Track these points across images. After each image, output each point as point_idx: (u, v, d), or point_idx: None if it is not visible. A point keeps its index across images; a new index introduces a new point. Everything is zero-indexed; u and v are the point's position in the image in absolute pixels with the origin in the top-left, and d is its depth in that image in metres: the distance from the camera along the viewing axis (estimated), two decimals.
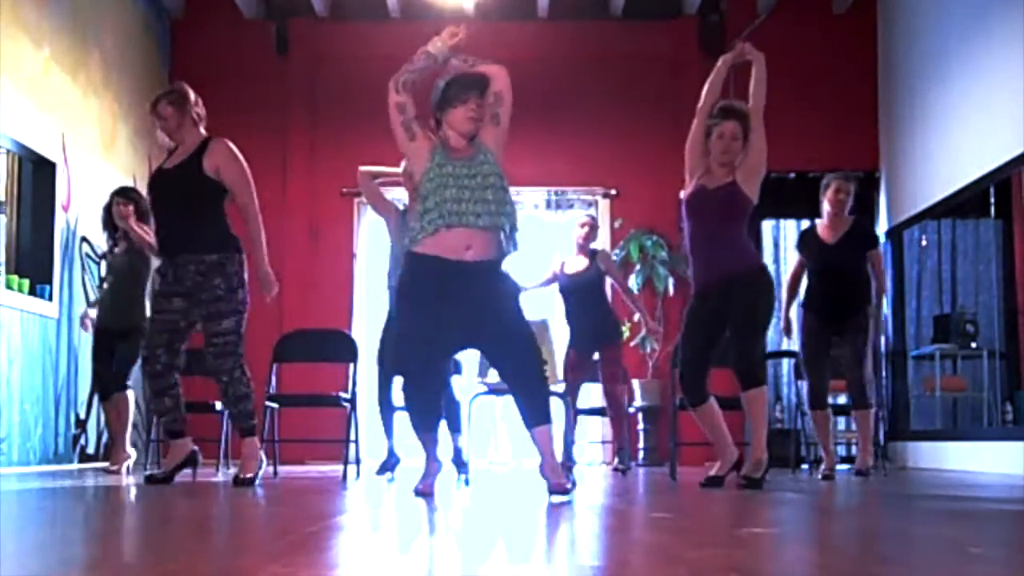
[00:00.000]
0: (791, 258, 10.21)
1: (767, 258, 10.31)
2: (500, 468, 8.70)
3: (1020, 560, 2.60)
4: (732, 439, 5.54)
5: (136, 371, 6.89)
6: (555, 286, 7.47)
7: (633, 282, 9.90)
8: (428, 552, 2.58)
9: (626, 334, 9.92)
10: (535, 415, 4.32)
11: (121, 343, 6.85)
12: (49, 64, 7.96)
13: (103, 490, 5.02)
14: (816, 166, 9.89)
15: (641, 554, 2.54)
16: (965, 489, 5.50)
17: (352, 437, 6.52)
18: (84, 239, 8.48)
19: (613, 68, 10.29)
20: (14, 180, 7.81)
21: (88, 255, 8.57)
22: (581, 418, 8.66)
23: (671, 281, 9.82)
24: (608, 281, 7.46)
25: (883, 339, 9.88)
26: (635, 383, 9.52)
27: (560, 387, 6.56)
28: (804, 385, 6.98)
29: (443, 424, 4.94)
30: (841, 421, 8.75)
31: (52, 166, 7.97)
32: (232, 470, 7.37)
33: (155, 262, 6.00)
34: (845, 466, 8.09)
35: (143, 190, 7.05)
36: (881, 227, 10.12)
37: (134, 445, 7.14)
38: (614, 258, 9.58)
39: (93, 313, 7.13)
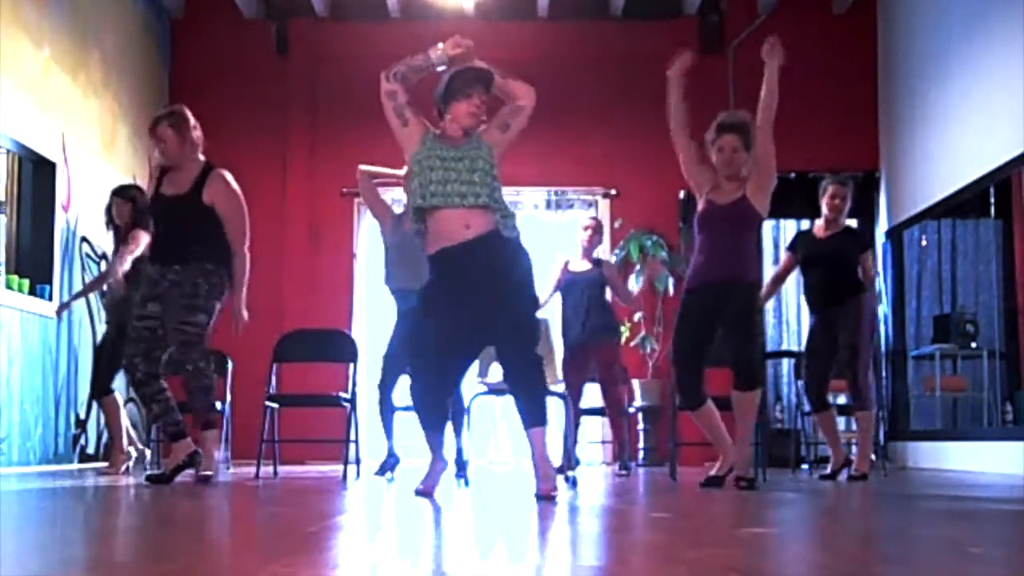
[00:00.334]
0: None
1: (767, 258, 10.30)
2: (500, 468, 8.70)
3: (1020, 560, 2.60)
4: (731, 439, 5.54)
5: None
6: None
7: (633, 282, 9.89)
8: (428, 552, 2.58)
9: (626, 334, 9.93)
10: (531, 416, 4.31)
11: (114, 345, 6.81)
12: (49, 64, 7.96)
13: (103, 490, 5.02)
14: (816, 166, 9.89)
15: (641, 554, 2.54)
16: (965, 489, 5.50)
17: (352, 437, 6.52)
18: (84, 239, 8.48)
19: (613, 68, 10.29)
20: (14, 180, 7.81)
21: (88, 255, 8.56)
22: (581, 418, 8.66)
23: (671, 281, 9.81)
24: (606, 287, 7.48)
25: (883, 339, 9.88)
26: (635, 383, 9.52)
27: (560, 387, 6.55)
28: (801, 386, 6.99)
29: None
30: (841, 421, 8.74)
31: (52, 166, 7.97)
32: (231, 470, 7.38)
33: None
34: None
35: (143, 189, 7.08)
36: (881, 227, 10.12)
37: (132, 444, 7.11)
38: (613, 259, 9.61)
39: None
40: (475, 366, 6.47)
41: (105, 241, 7.66)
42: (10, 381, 7.30)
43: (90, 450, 8.56)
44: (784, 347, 9.93)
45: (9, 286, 7.32)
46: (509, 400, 6.75)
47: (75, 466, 8.11)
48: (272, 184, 10.16)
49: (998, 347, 9.20)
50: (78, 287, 8.33)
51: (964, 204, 8.95)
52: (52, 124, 7.95)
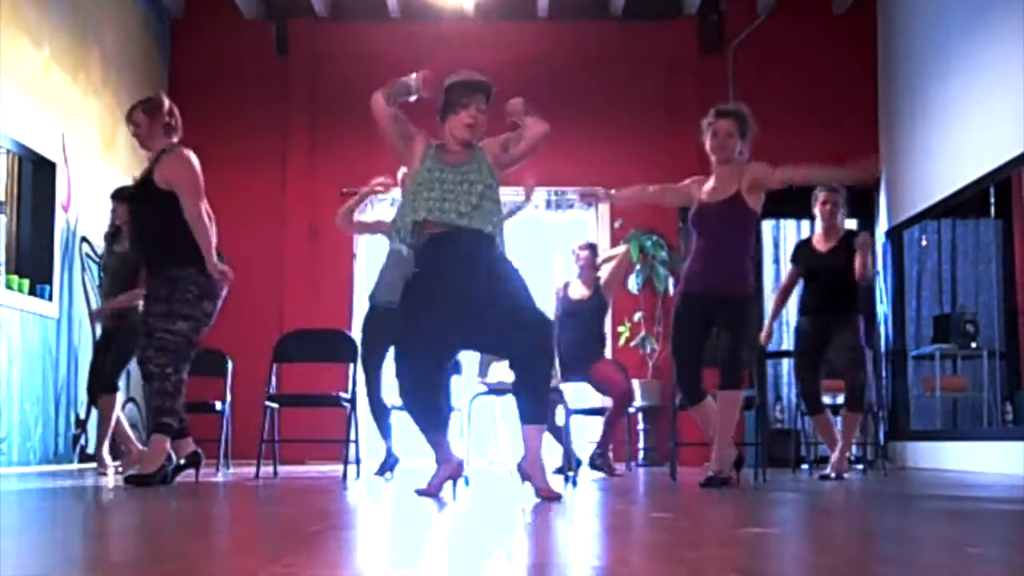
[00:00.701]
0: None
1: (767, 258, 10.31)
2: (500, 468, 8.70)
3: (1020, 560, 2.60)
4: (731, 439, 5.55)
5: (135, 372, 6.89)
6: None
7: (633, 282, 9.90)
8: (427, 552, 2.58)
9: (626, 334, 9.94)
10: (530, 413, 4.30)
11: (114, 344, 6.81)
12: (49, 64, 7.96)
13: (103, 490, 5.02)
14: (816, 166, 9.88)
15: (641, 554, 2.54)
16: (965, 489, 5.50)
17: (352, 437, 6.52)
18: (84, 239, 8.48)
19: (613, 68, 10.29)
20: (14, 180, 7.81)
21: (88, 255, 8.56)
22: (581, 418, 8.66)
23: (671, 281, 9.81)
24: (608, 312, 7.53)
25: (883, 339, 9.88)
26: (635, 383, 9.51)
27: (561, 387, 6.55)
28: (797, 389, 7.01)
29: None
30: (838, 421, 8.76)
31: (52, 166, 7.97)
32: (232, 470, 7.38)
33: None
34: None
35: None
36: (881, 227, 10.12)
37: (132, 444, 7.10)
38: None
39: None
40: (475, 366, 6.50)
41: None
42: (10, 381, 7.30)
43: (90, 450, 8.55)
44: (784, 347, 9.93)
45: (9, 286, 7.32)
46: (509, 400, 6.77)
47: (75, 466, 8.11)
48: (272, 184, 10.16)
49: (998, 347, 9.20)
50: (78, 287, 8.33)
51: (964, 204, 8.95)
52: (52, 124, 7.95)
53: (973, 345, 9.11)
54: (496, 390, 6.30)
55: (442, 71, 4.53)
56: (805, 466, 7.90)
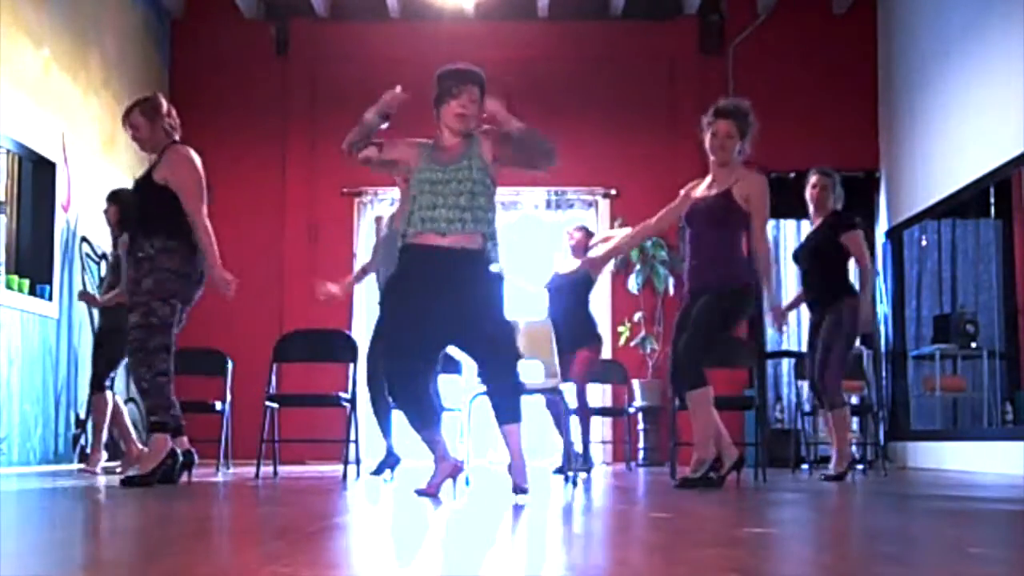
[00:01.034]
0: (791, 258, 10.26)
1: None
2: (500, 468, 8.68)
3: (1020, 560, 2.60)
4: (731, 439, 5.54)
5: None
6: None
7: (633, 282, 9.90)
8: (427, 552, 2.58)
9: (626, 334, 9.94)
10: (505, 413, 4.30)
11: (106, 343, 6.80)
12: (49, 64, 7.96)
13: (102, 490, 5.02)
14: (816, 166, 9.88)
15: (641, 554, 2.54)
16: (965, 489, 5.50)
17: (352, 437, 6.52)
18: (84, 239, 8.48)
19: (613, 68, 10.29)
20: (14, 180, 7.81)
21: (88, 255, 8.56)
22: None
23: (671, 281, 9.81)
24: (593, 288, 7.44)
25: (883, 339, 9.88)
26: (635, 383, 9.52)
27: (561, 387, 6.53)
28: (804, 385, 6.98)
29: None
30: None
31: (52, 166, 7.97)
32: (232, 470, 7.38)
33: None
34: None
35: None
36: (881, 227, 10.12)
37: (111, 445, 7.08)
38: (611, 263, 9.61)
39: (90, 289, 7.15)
40: (475, 367, 6.49)
41: (105, 241, 7.68)
42: (10, 381, 7.30)
43: (90, 450, 8.55)
44: (784, 347, 9.93)
45: (9, 286, 7.32)
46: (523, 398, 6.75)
47: (75, 466, 8.10)
48: (272, 184, 10.16)
49: (998, 347, 9.20)
50: (78, 287, 8.32)
51: (964, 204, 8.95)
52: (52, 124, 7.95)
53: (973, 345, 9.11)
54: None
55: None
56: (805, 466, 7.89)
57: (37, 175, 7.93)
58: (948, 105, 8.84)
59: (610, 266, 9.94)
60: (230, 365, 7.52)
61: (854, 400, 8.62)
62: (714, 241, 5.33)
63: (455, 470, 4.53)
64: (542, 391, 6.32)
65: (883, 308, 9.92)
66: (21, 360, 7.45)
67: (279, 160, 10.22)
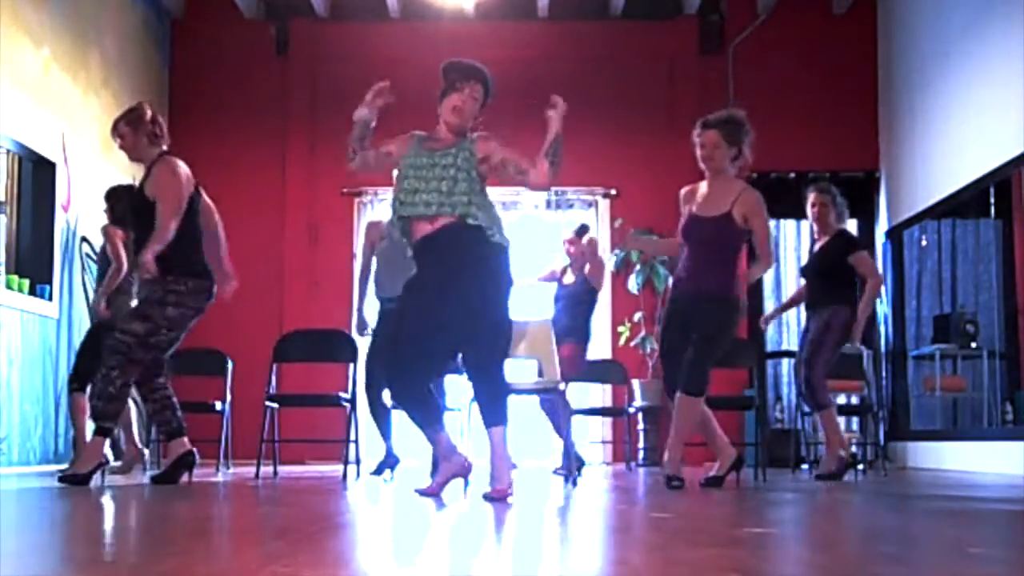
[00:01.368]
0: (791, 258, 10.28)
1: None
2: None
3: (1020, 560, 2.60)
4: (730, 439, 5.56)
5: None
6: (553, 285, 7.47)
7: (633, 282, 9.90)
8: (427, 552, 2.58)
9: (626, 334, 9.94)
10: (491, 415, 4.28)
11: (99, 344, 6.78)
12: (49, 64, 7.96)
13: (103, 490, 5.02)
14: (816, 166, 9.89)
15: (641, 554, 2.54)
16: (965, 489, 5.50)
17: (352, 437, 6.52)
18: (84, 239, 8.48)
19: (613, 68, 10.29)
20: (14, 180, 7.81)
21: (88, 255, 8.56)
22: (580, 418, 8.66)
23: (671, 281, 9.81)
24: (593, 303, 7.38)
25: (883, 339, 9.88)
26: (635, 383, 9.52)
27: (561, 387, 6.53)
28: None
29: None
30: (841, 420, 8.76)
31: (52, 166, 7.97)
32: (232, 470, 7.39)
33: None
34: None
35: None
36: (881, 227, 10.13)
37: (133, 444, 7.09)
38: (613, 259, 9.61)
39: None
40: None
41: None
42: (10, 381, 7.30)
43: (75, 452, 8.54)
44: (784, 347, 9.93)
45: (9, 286, 7.32)
46: (509, 400, 6.76)
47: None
48: (272, 184, 10.16)
49: (998, 347, 9.20)
50: (78, 287, 8.33)
51: (964, 204, 8.95)
52: (52, 124, 7.95)
53: (973, 345, 9.11)
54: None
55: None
56: (805, 466, 7.90)
57: (37, 175, 7.93)
58: (948, 105, 8.84)
59: (609, 267, 9.96)
60: (230, 365, 7.52)
61: (854, 400, 8.62)
62: (713, 256, 5.39)
63: (463, 469, 4.49)
64: (541, 391, 6.32)
65: (883, 308, 9.92)
66: (21, 360, 7.45)
67: (279, 160, 10.22)
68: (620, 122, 10.19)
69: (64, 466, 7.95)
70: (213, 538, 2.95)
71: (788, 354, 9.03)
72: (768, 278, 10.24)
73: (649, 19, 10.35)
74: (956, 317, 9.22)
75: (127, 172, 9.25)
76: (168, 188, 5.24)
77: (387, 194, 9.85)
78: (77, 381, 6.76)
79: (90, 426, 5.34)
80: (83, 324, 8.39)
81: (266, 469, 6.68)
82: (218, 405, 7.37)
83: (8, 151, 7.60)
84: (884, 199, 10.12)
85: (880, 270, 9.85)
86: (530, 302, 7.73)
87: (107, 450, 5.38)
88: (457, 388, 6.70)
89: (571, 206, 10.24)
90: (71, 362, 8.20)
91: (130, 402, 6.91)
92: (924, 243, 9.94)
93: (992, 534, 3.22)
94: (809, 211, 6.70)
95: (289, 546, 2.52)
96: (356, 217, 10.23)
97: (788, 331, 10.23)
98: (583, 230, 7.43)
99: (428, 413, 4.42)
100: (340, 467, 6.91)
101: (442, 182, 4.25)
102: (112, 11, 9.12)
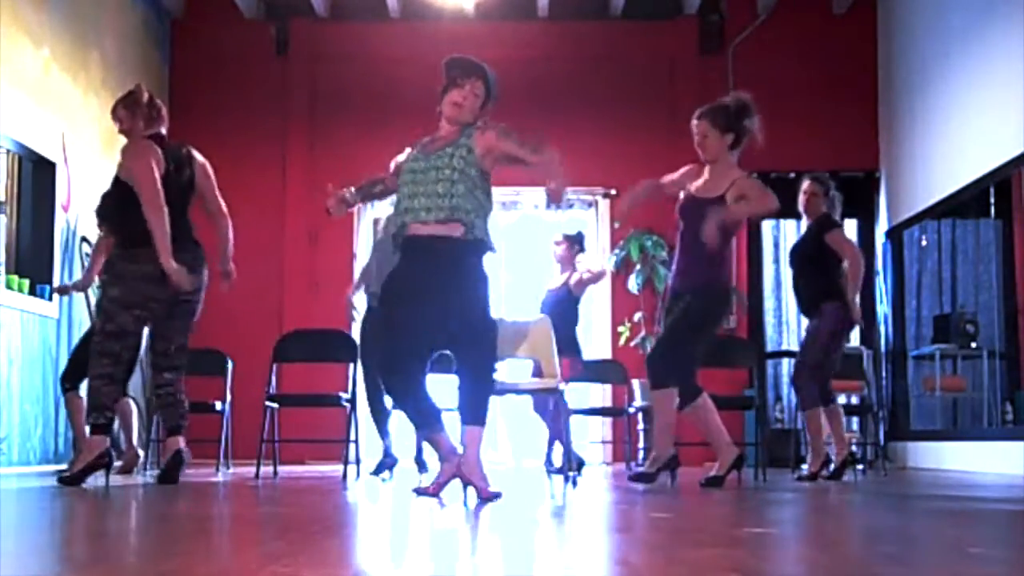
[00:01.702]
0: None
1: (767, 258, 10.31)
2: (500, 468, 8.69)
3: (1020, 560, 2.60)
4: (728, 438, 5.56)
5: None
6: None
7: (633, 282, 9.90)
8: (427, 553, 2.58)
9: (626, 334, 9.94)
10: (469, 413, 4.27)
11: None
12: (49, 64, 7.96)
13: (103, 490, 5.02)
14: (816, 166, 9.83)
15: (641, 554, 2.54)
16: (965, 489, 5.50)
17: (352, 437, 6.52)
18: (84, 239, 8.48)
19: (613, 68, 10.29)
20: (14, 180, 7.81)
21: (88, 255, 8.56)
22: (581, 418, 8.66)
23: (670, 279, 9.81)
24: (574, 309, 7.31)
25: (883, 339, 9.88)
26: (635, 383, 9.51)
27: (561, 387, 6.53)
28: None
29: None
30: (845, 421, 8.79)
31: (52, 166, 7.97)
32: (232, 470, 7.39)
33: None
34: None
35: None
36: (881, 227, 10.13)
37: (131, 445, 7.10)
38: (612, 259, 9.60)
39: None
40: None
41: None
42: (10, 381, 7.30)
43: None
44: (784, 347, 9.93)
45: (9, 286, 7.32)
46: (509, 400, 6.77)
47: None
48: (272, 184, 10.16)
49: (998, 347, 9.20)
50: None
51: (964, 204, 8.95)
52: (52, 124, 7.95)
53: (973, 345, 9.11)
54: (496, 390, 6.29)
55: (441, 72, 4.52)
56: (805, 466, 7.89)
57: (37, 175, 7.93)
58: (948, 105, 8.85)
59: (609, 266, 9.96)
60: (230, 365, 7.52)
61: (854, 400, 8.62)
62: (699, 241, 5.36)
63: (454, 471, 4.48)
64: (539, 391, 6.32)
65: (883, 308, 9.92)
66: (21, 360, 7.45)
67: (279, 160, 10.22)
68: (620, 122, 10.19)
69: (64, 466, 7.96)
70: (213, 538, 2.95)
71: (788, 354, 9.03)
72: (768, 278, 10.24)
73: (649, 19, 10.35)
74: (956, 317, 9.22)
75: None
76: (137, 168, 5.22)
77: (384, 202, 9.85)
78: (68, 381, 6.75)
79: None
80: (83, 324, 8.39)
81: (266, 469, 6.68)
82: (218, 405, 7.37)
83: (8, 151, 7.60)
84: (884, 199, 10.12)
85: (880, 270, 9.88)
86: (530, 302, 7.72)
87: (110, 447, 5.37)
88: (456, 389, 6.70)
89: (571, 206, 10.24)
90: None
91: (131, 404, 6.93)
92: (924, 243, 9.94)
93: (992, 534, 3.22)
94: (800, 197, 6.66)
95: (289, 546, 2.52)
96: (356, 217, 10.22)
97: (788, 331, 10.24)
98: (575, 239, 7.38)
99: (424, 415, 4.40)
100: (340, 467, 6.91)
101: (438, 184, 4.25)
102: (112, 11, 9.12)
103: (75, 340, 8.23)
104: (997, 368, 9.18)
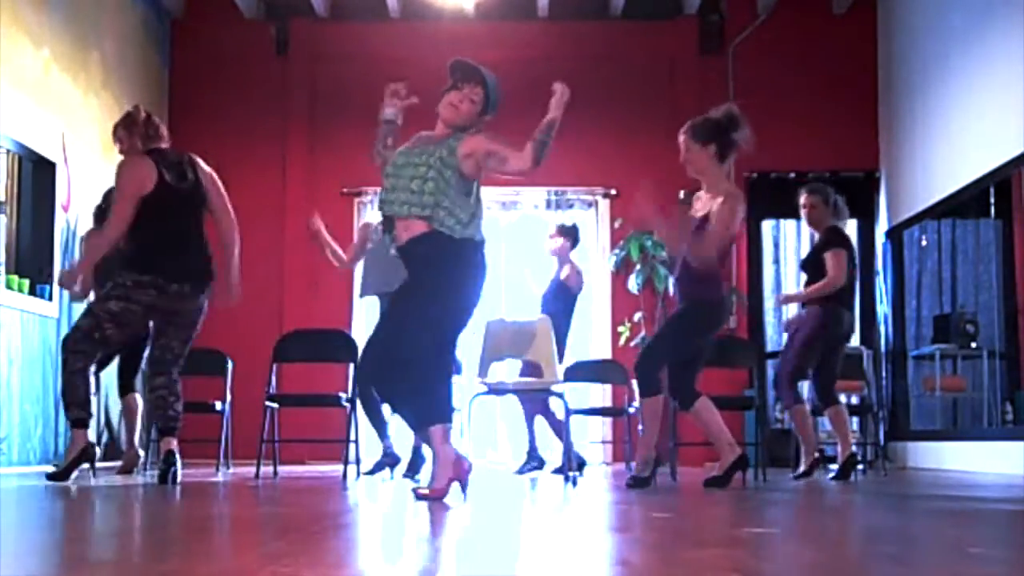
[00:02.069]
0: (791, 258, 10.27)
1: (767, 258, 10.30)
2: (499, 468, 8.69)
3: (1020, 560, 2.60)
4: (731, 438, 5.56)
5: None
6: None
7: (633, 282, 9.89)
8: (427, 553, 2.58)
9: (626, 334, 9.93)
10: (422, 415, 4.27)
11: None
12: (49, 64, 7.96)
13: (103, 490, 5.02)
14: (816, 166, 9.89)
15: (641, 554, 2.54)
16: (965, 489, 5.50)
17: (352, 437, 6.52)
18: (84, 239, 8.48)
19: (613, 68, 10.29)
20: (14, 180, 7.81)
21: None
22: (581, 418, 8.66)
23: (671, 281, 9.80)
24: (565, 308, 7.28)
25: (883, 339, 9.88)
26: (635, 383, 9.51)
27: (560, 387, 6.54)
28: (804, 385, 7.00)
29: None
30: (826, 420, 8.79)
31: (52, 166, 7.97)
32: (232, 470, 7.39)
33: None
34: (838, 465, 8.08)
35: None
36: (881, 227, 10.13)
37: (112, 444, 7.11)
38: (612, 259, 9.60)
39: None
40: (475, 367, 6.50)
41: None
42: (10, 381, 7.30)
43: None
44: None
45: (9, 286, 7.32)
46: (508, 400, 6.78)
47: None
48: (272, 184, 10.16)
49: (998, 347, 9.20)
50: (78, 287, 8.31)
51: (964, 204, 8.95)
52: (52, 124, 7.95)
53: (973, 345, 9.11)
54: (496, 390, 6.30)
55: (442, 72, 4.52)
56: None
57: (37, 175, 7.93)
58: (948, 105, 8.84)
59: (609, 266, 9.95)
60: (230, 365, 7.52)
61: (854, 400, 8.62)
62: (694, 259, 5.42)
63: (463, 470, 4.46)
64: (540, 391, 6.32)
65: (883, 308, 9.93)
66: (21, 360, 7.45)
67: (279, 160, 10.22)
68: (620, 122, 10.19)
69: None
70: (213, 538, 2.95)
71: None
72: (768, 278, 10.24)
73: (649, 19, 10.34)
74: (956, 317, 9.22)
75: None
76: (118, 180, 5.41)
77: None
78: (122, 382, 6.91)
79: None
80: None
81: (266, 469, 6.68)
82: (218, 405, 7.36)
83: (8, 151, 7.60)
84: (884, 199, 10.12)
85: (880, 270, 9.87)
86: (530, 302, 7.72)
87: (92, 441, 5.44)
88: (457, 388, 6.70)
89: (571, 206, 10.24)
90: None
91: (139, 402, 6.93)
92: (924, 243, 9.94)
93: (992, 534, 3.22)
94: (802, 213, 6.69)
95: (289, 546, 2.52)
96: (356, 217, 10.22)
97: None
98: (568, 231, 7.40)
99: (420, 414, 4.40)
100: (340, 467, 6.91)
101: (412, 181, 4.26)
102: (112, 11, 9.12)
103: None
104: (997, 368, 9.18)
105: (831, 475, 6.61)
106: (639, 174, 10.20)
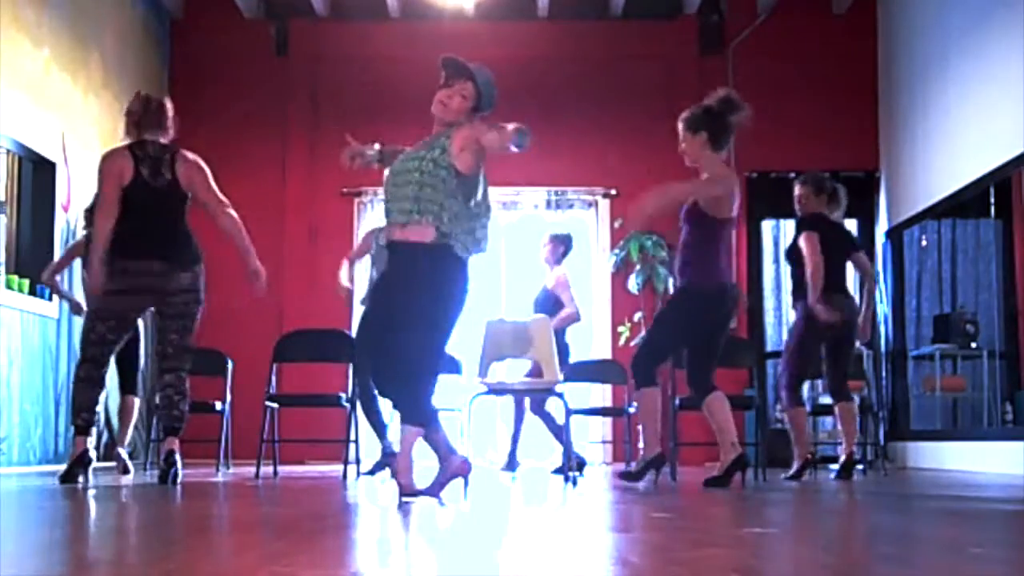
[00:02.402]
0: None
1: (767, 258, 10.30)
2: (499, 468, 8.69)
3: (1020, 560, 2.60)
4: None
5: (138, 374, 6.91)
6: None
7: (633, 282, 9.89)
8: (427, 553, 2.58)
9: (626, 334, 9.93)
10: (403, 415, 4.27)
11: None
12: (49, 64, 7.96)
13: (103, 490, 5.02)
14: (816, 166, 9.85)
15: (641, 554, 2.54)
16: (965, 489, 5.50)
17: (352, 437, 6.52)
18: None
19: (613, 68, 10.29)
20: (14, 180, 7.82)
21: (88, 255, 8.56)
22: (582, 418, 8.65)
23: (671, 281, 9.81)
24: (555, 311, 7.26)
25: (883, 339, 9.88)
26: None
27: (560, 387, 6.53)
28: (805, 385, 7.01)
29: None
30: (828, 421, 8.79)
31: (52, 166, 7.97)
32: (232, 470, 7.39)
33: None
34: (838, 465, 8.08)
35: None
36: (881, 227, 10.13)
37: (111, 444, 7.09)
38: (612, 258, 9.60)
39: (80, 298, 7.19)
40: (475, 366, 6.50)
41: None
42: (10, 381, 7.30)
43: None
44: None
45: (9, 286, 7.32)
46: (508, 400, 6.77)
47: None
48: (272, 184, 10.16)
49: (998, 347, 9.20)
50: (78, 287, 8.31)
51: (964, 204, 8.95)
52: (52, 124, 7.95)
53: (973, 345, 9.11)
54: (496, 390, 6.30)
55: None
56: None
57: (37, 175, 7.94)
58: (948, 105, 8.84)
59: (609, 266, 9.95)
60: (230, 365, 7.52)
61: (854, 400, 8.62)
62: (689, 243, 5.47)
63: (462, 469, 4.45)
64: (539, 391, 6.32)
65: (883, 308, 9.92)
66: (21, 360, 7.45)
67: (279, 160, 10.22)
68: (620, 122, 10.20)
69: (63, 467, 7.95)
70: (213, 538, 2.95)
71: None
72: (768, 278, 10.24)
73: (649, 19, 10.35)
74: (956, 317, 9.22)
75: None
76: (99, 181, 5.47)
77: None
78: (123, 383, 6.91)
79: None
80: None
81: (266, 469, 6.68)
82: (218, 405, 7.37)
83: (8, 151, 7.60)
84: (884, 199, 10.12)
85: (880, 270, 9.87)
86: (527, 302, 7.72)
87: (90, 448, 5.43)
88: (457, 388, 6.71)
89: (571, 206, 10.24)
90: (71, 362, 8.20)
91: (136, 404, 6.92)
92: (924, 243, 9.94)
93: (992, 534, 3.22)
94: (796, 206, 6.74)
95: (289, 546, 2.52)
96: (356, 217, 10.23)
97: (787, 331, 10.23)
98: (561, 239, 7.41)
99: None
100: (340, 467, 6.91)
101: (408, 187, 4.23)
102: (112, 11, 9.12)
103: (75, 340, 8.23)
104: (997, 368, 9.18)
105: (833, 475, 6.62)
106: (639, 174, 10.25)
